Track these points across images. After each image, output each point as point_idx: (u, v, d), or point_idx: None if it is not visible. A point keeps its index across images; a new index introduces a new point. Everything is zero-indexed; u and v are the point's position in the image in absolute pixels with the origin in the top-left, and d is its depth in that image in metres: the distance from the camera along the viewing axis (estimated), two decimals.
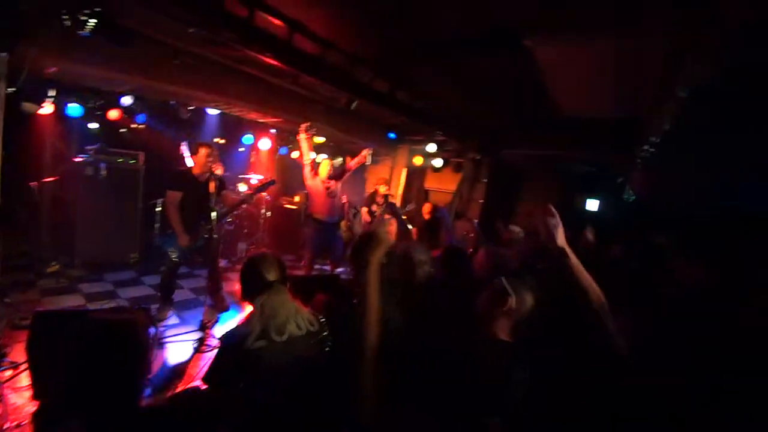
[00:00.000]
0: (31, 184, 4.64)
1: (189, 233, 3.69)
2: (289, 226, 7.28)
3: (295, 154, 7.01)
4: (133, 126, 5.80)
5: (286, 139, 7.08)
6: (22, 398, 2.36)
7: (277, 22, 2.84)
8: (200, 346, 3.33)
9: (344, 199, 7.09)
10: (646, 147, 3.60)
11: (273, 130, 6.85)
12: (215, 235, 3.71)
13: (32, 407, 1.96)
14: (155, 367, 2.99)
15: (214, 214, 3.52)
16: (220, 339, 1.51)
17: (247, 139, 6.76)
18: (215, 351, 1.51)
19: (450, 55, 3.53)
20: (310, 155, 4.72)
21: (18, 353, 2.71)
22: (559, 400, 1.32)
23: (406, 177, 7.93)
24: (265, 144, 6.95)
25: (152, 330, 2.78)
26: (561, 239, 1.45)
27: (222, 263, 5.37)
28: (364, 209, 6.41)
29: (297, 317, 1.54)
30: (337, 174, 5.06)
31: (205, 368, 1.47)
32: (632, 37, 2.14)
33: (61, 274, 4.50)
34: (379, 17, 2.86)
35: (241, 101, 4.59)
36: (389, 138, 7.05)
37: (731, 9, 1.72)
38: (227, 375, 1.40)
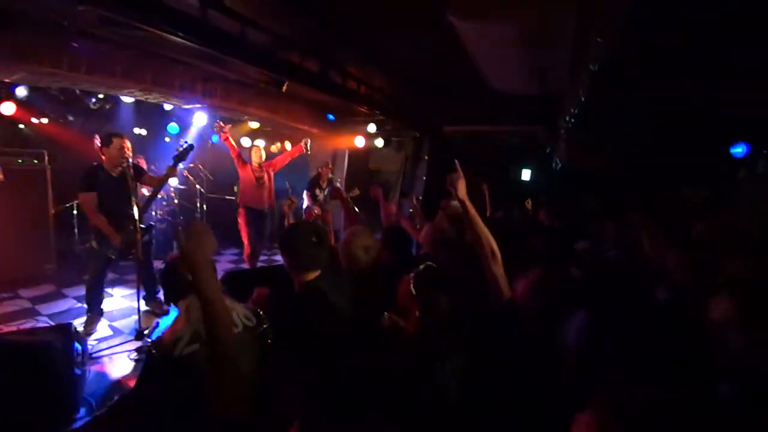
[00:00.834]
0: None
1: (118, 232, 3.39)
2: (230, 218, 6.94)
3: None
4: (34, 121, 5.12)
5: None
6: None
7: None
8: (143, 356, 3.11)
9: (287, 185, 6.86)
10: (567, 118, 3.85)
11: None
12: (145, 234, 3.45)
13: None
14: (89, 384, 2.76)
15: (135, 211, 3.25)
16: (145, 350, 1.40)
17: (172, 128, 6.25)
18: (143, 364, 1.40)
19: (377, 35, 3.49)
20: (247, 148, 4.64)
21: None
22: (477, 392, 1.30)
23: (349, 159, 7.85)
24: (192, 133, 6.48)
25: (77, 347, 2.54)
26: (462, 192, 1.66)
27: (157, 265, 5.01)
28: (307, 192, 6.27)
29: (230, 313, 1.47)
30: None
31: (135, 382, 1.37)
32: (543, 13, 2.24)
33: None
34: None
35: (159, 86, 4.18)
36: (329, 120, 6.89)
37: None
38: (159, 387, 1.31)
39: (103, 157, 3.45)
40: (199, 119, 5.90)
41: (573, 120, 3.61)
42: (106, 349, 3.29)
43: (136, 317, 3.44)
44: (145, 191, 4.48)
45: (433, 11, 2.81)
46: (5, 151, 4.46)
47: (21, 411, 0.96)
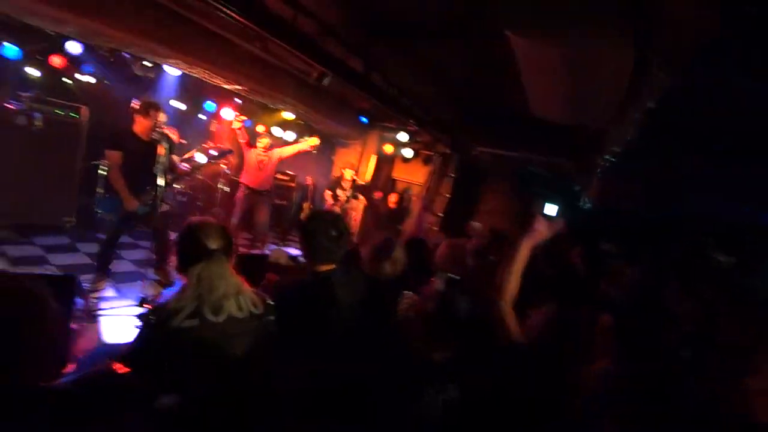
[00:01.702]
0: None
1: (136, 198, 3.40)
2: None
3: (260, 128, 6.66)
4: (79, 77, 5.26)
5: (252, 110, 6.71)
6: None
7: None
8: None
9: (309, 180, 6.89)
10: (607, 156, 3.70)
11: (238, 100, 6.46)
12: (163, 204, 3.44)
13: None
14: (85, 342, 2.74)
15: (161, 181, 3.25)
16: (142, 317, 1.34)
17: (209, 106, 6.34)
18: (138, 329, 1.34)
19: (421, 40, 3.44)
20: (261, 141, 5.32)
21: None
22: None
23: (375, 164, 7.81)
24: (227, 113, 6.55)
25: (79, 301, 2.52)
26: (539, 237, 1.60)
27: (172, 236, 5.05)
28: (328, 192, 6.27)
29: (239, 296, 1.39)
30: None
31: (126, 346, 1.31)
32: (601, 40, 2.15)
33: None
34: None
35: (203, 62, 4.23)
36: (360, 122, 6.88)
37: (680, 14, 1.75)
38: (149, 356, 1.25)
39: (136, 123, 3.50)
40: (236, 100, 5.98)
41: (614, 159, 3.47)
42: (108, 309, 3.28)
43: (141, 284, 3.43)
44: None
45: (487, 24, 2.75)
46: (48, 100, 4.58)
47: (12, 351, 0.91)
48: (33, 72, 4.93)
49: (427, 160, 7.36)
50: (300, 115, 6.32)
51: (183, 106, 6.21)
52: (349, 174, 6.26)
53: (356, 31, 3.60)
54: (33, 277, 0.95)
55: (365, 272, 2.01)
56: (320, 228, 1.68)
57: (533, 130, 5.48)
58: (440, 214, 6.86)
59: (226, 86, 5.24)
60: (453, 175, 7.25)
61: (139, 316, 1.31)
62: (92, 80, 5.29)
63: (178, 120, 6.06)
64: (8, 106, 4.42)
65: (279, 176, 6.84)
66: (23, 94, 4.48)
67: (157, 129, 3.42)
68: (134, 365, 1.19)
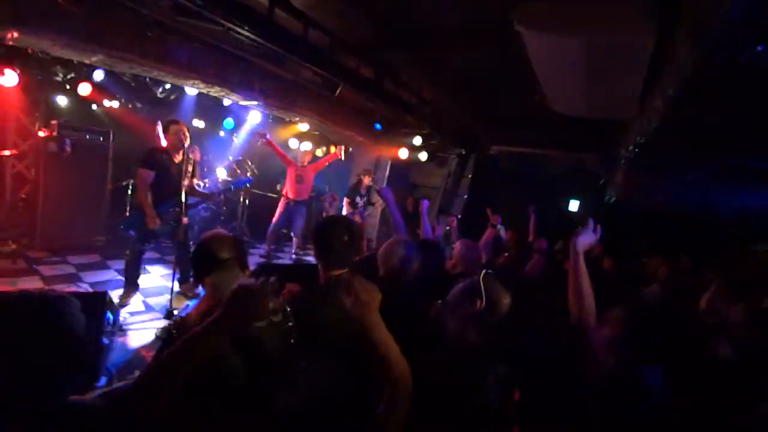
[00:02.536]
0: None
1: (159, 216, 3.51)
2: (268, 216, 7.09)
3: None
4: (105, 103, 5.51)
5: (269, 124, 6.85)
6: None
7: None
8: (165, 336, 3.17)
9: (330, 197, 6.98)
10: (631, 147, 3.58)
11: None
12: (185, 219, 3.55)
13: None
14: (114, 355, 2.83)
15: (183, 197, 3.37)
16: (165, 329, 1.37)
17: (228, 123, 6.51)
18: (163, 341, 1.36)
19: (435, 44, 3.43)
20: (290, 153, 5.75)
21: None
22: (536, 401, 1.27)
23: (390, 169, 7.82)
24: (245, 129, 6.73)
25: (110, 316, 2.61)
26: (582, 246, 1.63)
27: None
28: (346, 199, 6.31)
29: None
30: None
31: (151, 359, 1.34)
32: (618, 28, 2.08)
33: (18, 255, 4.24)
34: None
35: (222, 81, 4.37)
36: (375, 129, 6.91)
37: None
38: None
39: (166, 142, 3.65)
40: (254, 117, 6.12)
41: (637, 150, 3.34)
42: (137, 323, 3.38)
43: (168, 297, 3.53)
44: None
45: (498, 21, 2.72)
46: (77, 126, 4.81)
47: (41, 365, 0.93)
48: (62, 100, 5.20)
49: (442, 162, 7.32)
50: (315, 125, 6.41)
51: (202, 124, 6.40)
52: (366, 180, 6.29)
53: (368, 35, 3.63)
54: (60, 294, 0.98)
55: (383, 276, 1.99)
56: (333, 233, 1.68)
57: (553, 127, 5.36)
58: (459, 216, 6.78)
59: (243, 103, 5.38)
60: (470, 175, 7.18)
61: (161, 330, 1.34)
62: (116, 104, 5.52)
63: (200, 138, 6.25)
64: (41, 134, 4.67)
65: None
66: (53, 122, 4.72)
67: (182, 142, 3.55)
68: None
